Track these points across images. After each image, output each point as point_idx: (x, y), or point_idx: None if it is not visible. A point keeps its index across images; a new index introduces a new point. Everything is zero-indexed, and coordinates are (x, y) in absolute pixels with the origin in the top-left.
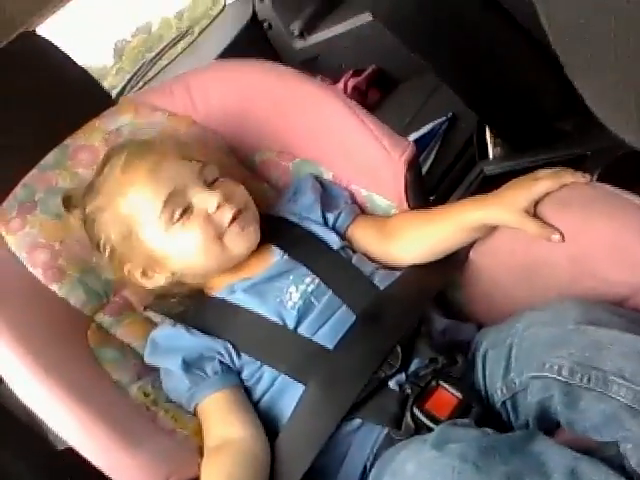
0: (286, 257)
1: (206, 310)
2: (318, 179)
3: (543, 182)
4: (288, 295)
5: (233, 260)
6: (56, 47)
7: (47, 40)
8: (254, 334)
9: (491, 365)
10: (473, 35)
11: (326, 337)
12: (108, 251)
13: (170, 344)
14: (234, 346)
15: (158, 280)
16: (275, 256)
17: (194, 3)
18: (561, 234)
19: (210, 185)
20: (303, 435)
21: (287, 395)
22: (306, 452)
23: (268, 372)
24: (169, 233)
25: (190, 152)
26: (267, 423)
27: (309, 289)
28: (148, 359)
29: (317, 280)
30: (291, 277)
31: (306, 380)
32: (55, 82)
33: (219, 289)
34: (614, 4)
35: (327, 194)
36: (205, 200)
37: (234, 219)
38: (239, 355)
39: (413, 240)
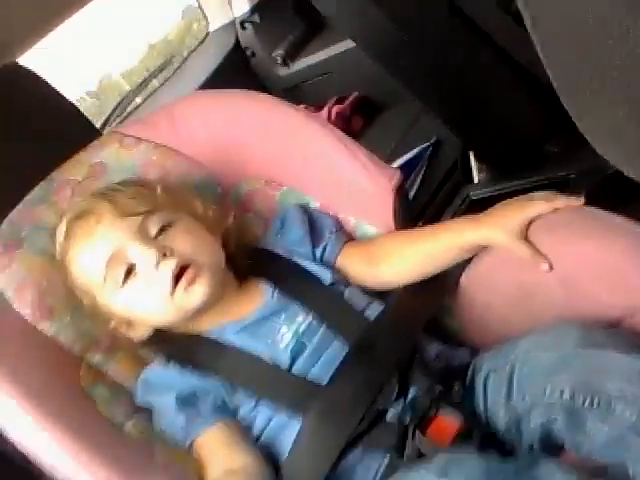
0: (277, 295)
1: (198, 349)
2: (304, 209)
3: (536, 204)
4: (280, 336)
5: (190, 313)
6: (40, 78)
7: (31, 71)
8: (247, 373)
9: (492, 389)
10: (455, 60)
11: (320, 373)
12: (89, 312)
13: (162, 383)
14: (227, 385)
15: (142, 333)
16: (266, 294)
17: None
18: (550, 264)
19: (156, 236)
20: (302, 471)
21: (284, 433)
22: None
23: (264, 410)
24: (121, 296)
25: (130, 206)
26: (267, 446)
27: (301, 329)
28: (140, 399)
29: (309, 317)
30: (283, 316)
31: (302, 417)
32: (40, 114)
33: (209, 329)
34: (611, 28)
35: (314, 225)
36: (143, 258)
37: (180, 274)
38: (233, 394)
39: (403, 261)
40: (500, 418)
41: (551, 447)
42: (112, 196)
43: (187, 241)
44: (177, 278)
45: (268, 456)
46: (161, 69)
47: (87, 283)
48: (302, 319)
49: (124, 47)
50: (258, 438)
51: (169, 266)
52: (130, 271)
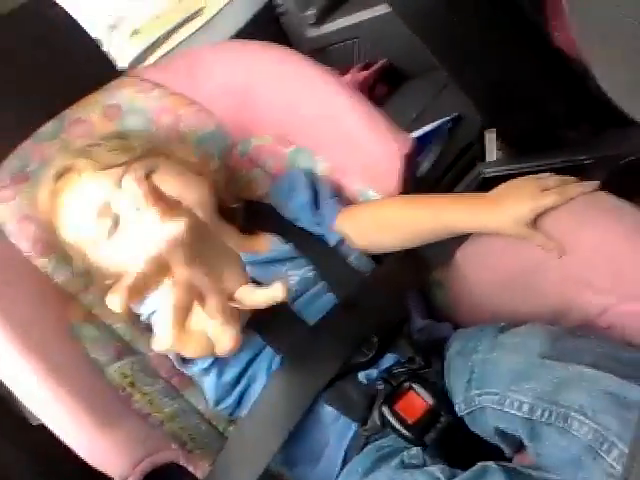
0: (286, 246)
1: None
2: (308, 174)
3: (550, 197)
4: (287, 277)
5: None
6: (67, 13)
7: (60, 6)
8: None
9: (454, 374)
10: (487, 34)
11: (309, 317)
12: (84, 273)
13: None
14: None
15: None
16: (274, 244)
17: None
18: (561, 253)
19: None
20: (279, 404)
21: (264, 366)
22: (281, 425)
23: (253, 344)
24: (112, 249)
25: (109, 159)
26: (246, 388)
27: (306, 275)
28: None
29: (313, 271)
30: (288, 264)
31: (284, 352)
32: (62, 50)
33: None
34: None
35: (315, 192)
36: (124, 206)
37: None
38: None
39: (396, 236)
40: (457, 406)
41: (510, 442)
42: (90, 151)
43: (170, 184)
44: None
45: (246, 385)
46: (190, 19)
47: (77, 240)
48: (308, 270)
49: None
50: (244, 372)
51: (149, 208)
52: (116, 222)
